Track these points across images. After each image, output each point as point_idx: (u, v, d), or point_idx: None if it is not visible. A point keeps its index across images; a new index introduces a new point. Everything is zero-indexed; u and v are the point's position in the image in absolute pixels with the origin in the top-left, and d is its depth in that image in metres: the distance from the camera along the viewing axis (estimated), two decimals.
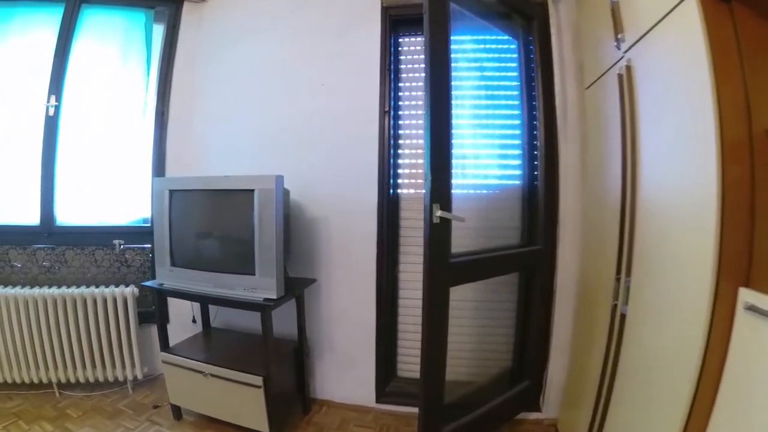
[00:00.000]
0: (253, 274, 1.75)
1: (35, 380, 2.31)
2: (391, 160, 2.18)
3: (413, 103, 2.20)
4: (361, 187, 2.16)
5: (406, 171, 2.22)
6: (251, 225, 1.73)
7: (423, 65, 2.13)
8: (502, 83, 2.15)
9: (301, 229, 2.24)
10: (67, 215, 2.48)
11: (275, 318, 1.80)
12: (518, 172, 2.13)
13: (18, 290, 2.24)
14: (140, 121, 2.52)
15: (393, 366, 2.31)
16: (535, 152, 2.03)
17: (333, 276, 2.23)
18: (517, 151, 2.14)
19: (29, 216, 2.44)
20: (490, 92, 2.15)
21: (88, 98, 2.49)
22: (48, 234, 2.43)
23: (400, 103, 2.21)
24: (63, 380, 2.32)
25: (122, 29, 2.54)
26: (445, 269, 1.51)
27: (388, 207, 2.16)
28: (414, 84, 2.21)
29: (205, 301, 1.86)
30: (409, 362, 2.28)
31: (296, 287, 2.00)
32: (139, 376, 2.39)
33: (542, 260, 1.98)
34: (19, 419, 2.13)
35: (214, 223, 1.97)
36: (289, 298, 1.82)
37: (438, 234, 1.47)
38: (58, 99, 2.44)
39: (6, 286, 2.32)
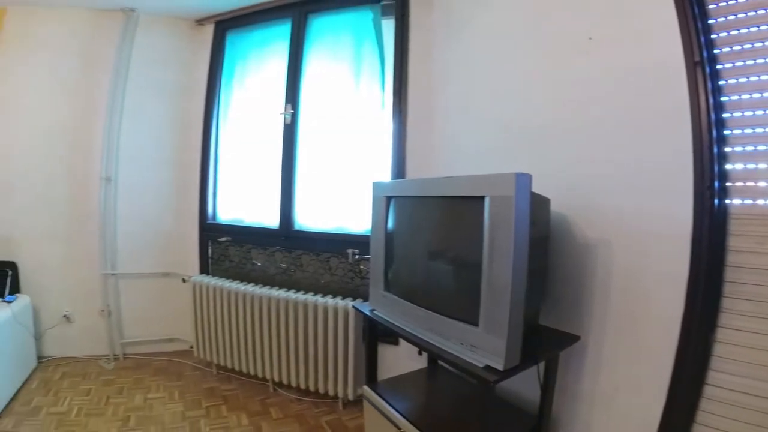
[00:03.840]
0: (475, 325, 1.16)
1: (251, 372, 2.44)
2: (714, 148, 1.20)
3: (736, 48, 1.16)
4: (662, 194, 1.29)
5: (738, 167, 1.19)
6: (478, 251, 1.15)
7: None
8: None
9: (566, 257, 1.53)
10: (304, 219, 2.52)
11: None
12: None
13: (250, 288, 2.42)
14: (378, 122, 2.35)
15: None
16: None
17: (607, 335, 1.42)
18: None
19: (271, 219, 2.60)
20: None
21: (324, 104, 2.49)
22: (285, 237, 2.53)
23: (716, 51, 1.22)
24: (276, 379, 2.38)
25: (351, 31, 2.46)
26: None
27: (710, 229, 1.20)
28: (732, 17, 1.18)
29: (414, 343, 1.40)
30: None
31: (544, 350, 1.32)
32: (350, 397, 2.22)
33: None
34: (225, 404, 2.27)
35: (433, 243, 1.49)
36: (527, 366, 1.17)
37: None
38: (295, 107, 2.52)
39: (245, 282, 2.54)
